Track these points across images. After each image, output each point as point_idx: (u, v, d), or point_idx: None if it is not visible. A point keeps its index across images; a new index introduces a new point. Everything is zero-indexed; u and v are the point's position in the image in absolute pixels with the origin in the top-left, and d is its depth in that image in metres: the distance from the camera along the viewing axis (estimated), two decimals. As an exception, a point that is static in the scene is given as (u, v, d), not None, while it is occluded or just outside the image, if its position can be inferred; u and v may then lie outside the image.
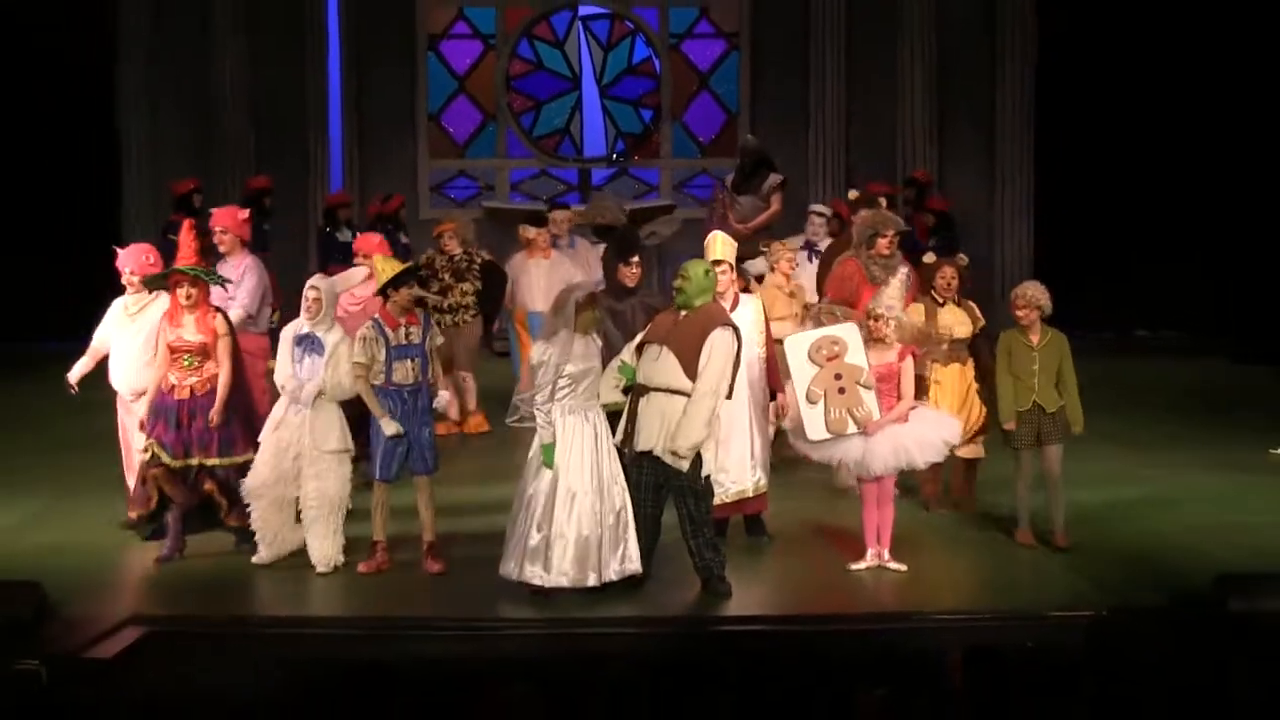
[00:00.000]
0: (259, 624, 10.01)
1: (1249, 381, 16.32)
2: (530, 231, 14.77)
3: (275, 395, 10.93)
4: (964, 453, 11.31)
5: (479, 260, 14.13)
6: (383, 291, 10.57)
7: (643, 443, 9.95)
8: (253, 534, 10.73)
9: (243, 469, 10.67)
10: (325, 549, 10.60)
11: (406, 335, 10.49)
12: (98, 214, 17.52)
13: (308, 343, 10.61)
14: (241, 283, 12.00)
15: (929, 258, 12.06)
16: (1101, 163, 18.00)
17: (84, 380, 11.24)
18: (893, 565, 10.62)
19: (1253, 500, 11.94)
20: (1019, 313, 10.78)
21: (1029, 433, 10.73)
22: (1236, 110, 17.39)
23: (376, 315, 10.54)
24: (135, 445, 10.97)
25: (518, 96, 20.26)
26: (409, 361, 10.47)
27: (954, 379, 11.34)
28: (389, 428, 10.42)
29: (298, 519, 10.69)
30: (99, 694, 8.45)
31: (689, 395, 9.84)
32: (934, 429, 10.58)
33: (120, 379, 11.13)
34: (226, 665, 9.42)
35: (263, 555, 10.66)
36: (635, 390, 9.99)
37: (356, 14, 19.50)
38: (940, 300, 11.41)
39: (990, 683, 8.04)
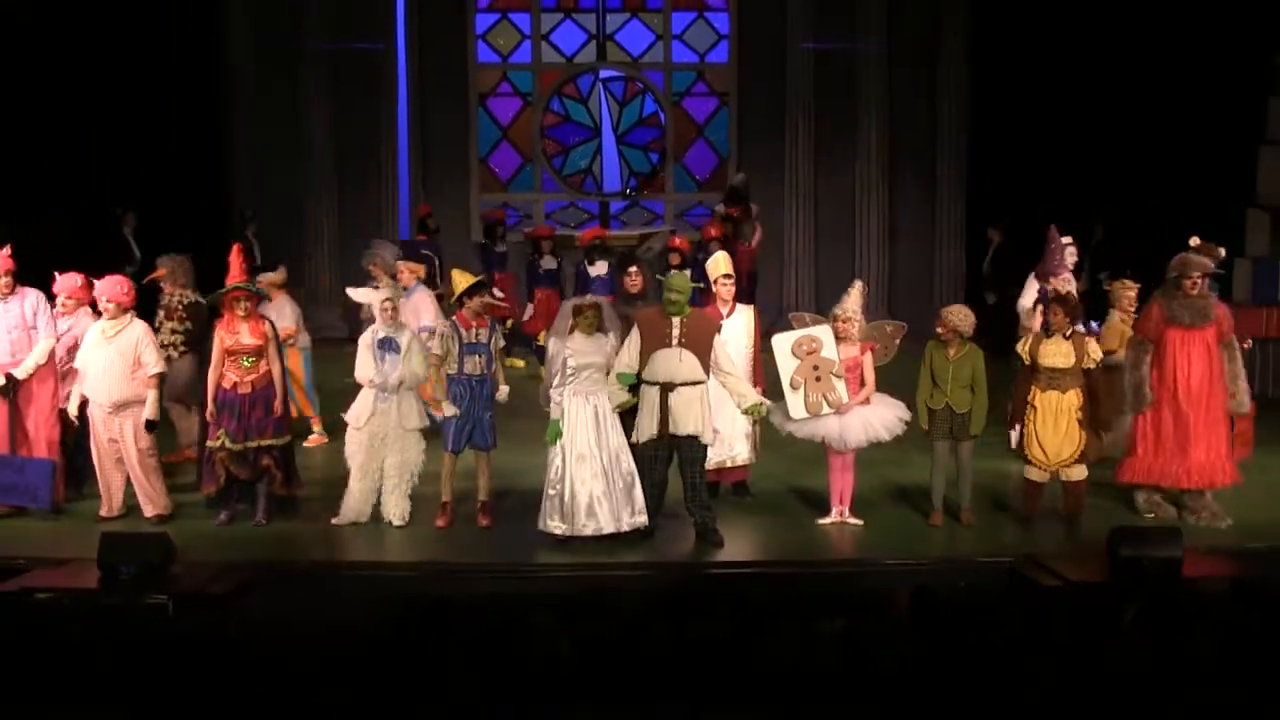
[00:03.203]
0: (344, 567, 10.08)
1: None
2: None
3: None
4: (1070, 474, 10.47)
5: (185, 301, 12.18)
6: (459, 300, 10.61)
7: (687, 428, 10.04)
8: (294, 504, 10.82)
9: (288, 447, 10.74)
10: (404, 507, 10.65)
11: (476, 335, 10.52)
12: (208, 245, 17.50)
13: (386, 344, 10.62)
14: (40, 316, 10.87)
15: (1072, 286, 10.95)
16: (1020, 205, 17.96)
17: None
18: (852, 521, 10.66)
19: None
20: (939, 330, 10.56)
21: (942, 428, 10.48)
22: (1146, 148, 17.32)
23: (454, 318, 10.59)
24: (124, 453, 10.67)
25: (550, 143, 20.28)
26: (477, 357, 10.49)
27: (1049, 405, 10.37)
28: (448, 410, 10.48)
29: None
30: (214, 623, 8.49)
31: (704, 382, 10.05)
32: (892, 410, 10.61)
33: (99, 392, 10.57)
34: (319, 601, 9.46)
35: (342, 517, 10.68)
36: (663, 388, 10.03)
37: (420, 76, 19.53)
38: (1049, 334, 10.45)
39: (930, 615, 8.03)
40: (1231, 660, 6.37)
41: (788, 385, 10.47)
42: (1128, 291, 11.71)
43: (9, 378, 10.79)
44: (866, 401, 10.52)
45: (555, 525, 10.02)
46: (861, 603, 8.31)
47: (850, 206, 19.19)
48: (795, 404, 10.48)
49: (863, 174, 19.23)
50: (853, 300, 10.66)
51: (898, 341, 11.07)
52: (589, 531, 9.94)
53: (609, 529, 9.97)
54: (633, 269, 12.16)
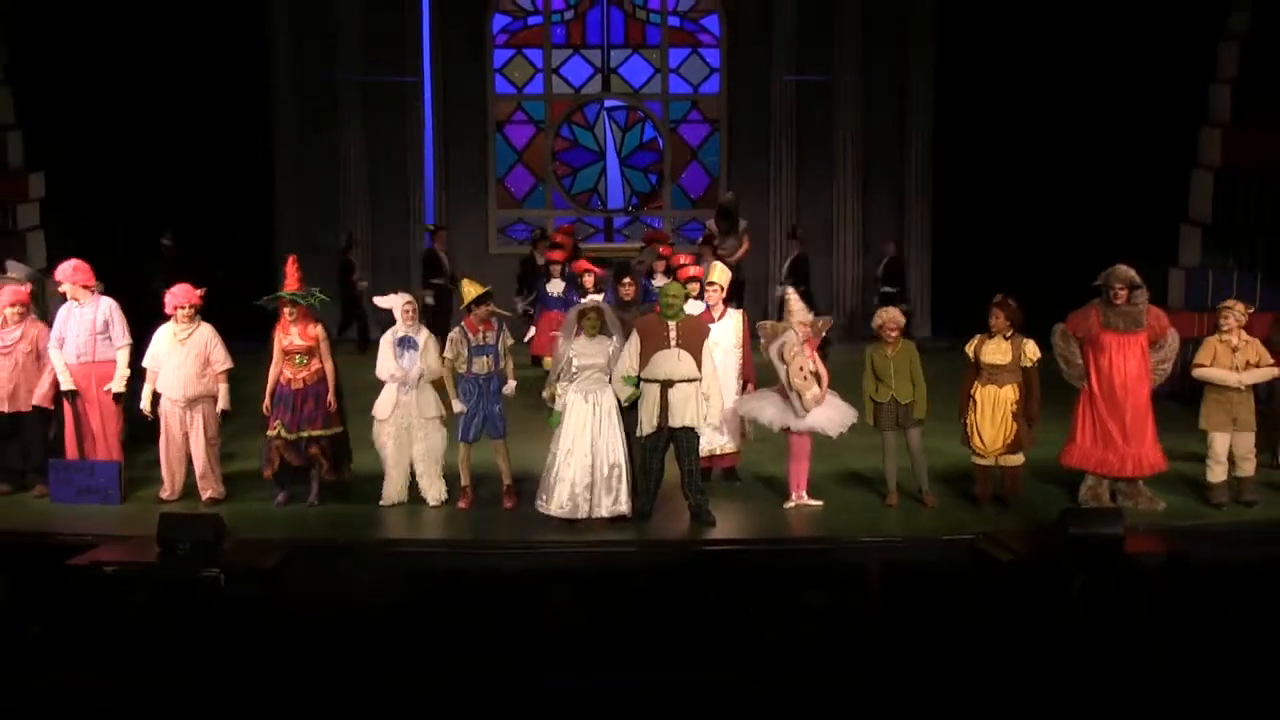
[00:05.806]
0: (378, 544, 10.13)
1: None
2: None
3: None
4: (1007, 461, 10.55)
5: None
6: (468, 307, 10.65)
7: (685, 420, 10.10)
8: (342, 487, 10.82)
9: (338, 437, 10.76)
10: (439, 488, 10.73)
11: (483, 338, 10.57)
12: (253, 255, 17.52)
13: (405, 342, 10.66)
14: (114, 323, 10.92)
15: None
16: (984, 216, 17.99)
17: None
18: (812, 502, 10.68)
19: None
20: (880, 331, 10.64)
21: (890, 419, 10.57)
22: (1092, 169, 17.31)
23: (462, 323, 10.63)
24: (192, 441, 10.72)
25: (560, 165, 20.29)
26: (485, 357, 10.54)
27: (988, 398, 10.44)
28: (456, 406, 10.54)
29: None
30: (262, 593, 8.55)
31: (699, 380, 10.10)
32: (843, 401, 10.70)
33: (174, 389, 10.67)
34: (352, 574, 9.52)
35: (385, 499, 10.74)
36: (663, 385, 10.08)
37: (444, 105, 19.54)
38: (991, 335, 10.47)
39: (899, 587, 8.10)
40: (1166, 622, 6.44)
41: (790, 390, 10.49)
42: (1239, 313, 10.84)
43: (88, 392, 10.87)
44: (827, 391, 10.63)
45: (542, 504, 10.15)
46: (839, 576, 8.37)
47: (829, 221, 19.21)
48: (798, 404, 10.51)
49: (839, 192, 19.23)
50: (801, 306, 10.74)
51: (824, 333, 11.15)
52: (566, 514, 10.05)
53: (583, 514, 10.05)
54: (626, 279, 12.21)
